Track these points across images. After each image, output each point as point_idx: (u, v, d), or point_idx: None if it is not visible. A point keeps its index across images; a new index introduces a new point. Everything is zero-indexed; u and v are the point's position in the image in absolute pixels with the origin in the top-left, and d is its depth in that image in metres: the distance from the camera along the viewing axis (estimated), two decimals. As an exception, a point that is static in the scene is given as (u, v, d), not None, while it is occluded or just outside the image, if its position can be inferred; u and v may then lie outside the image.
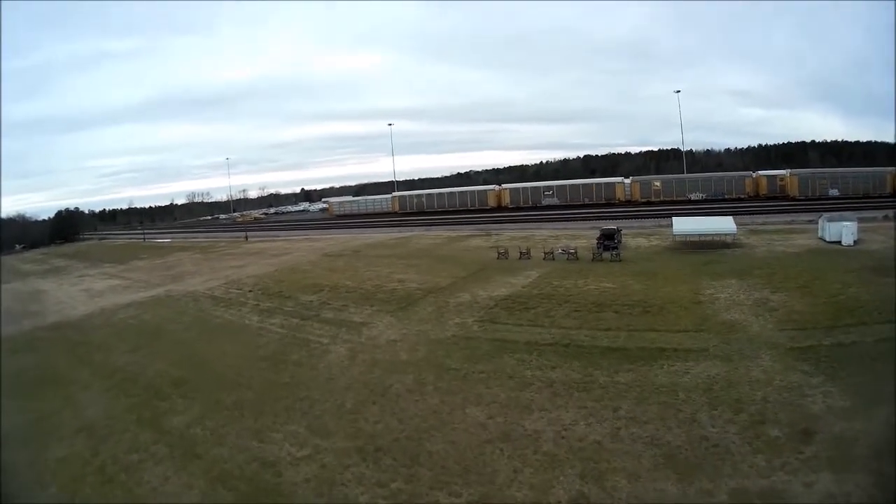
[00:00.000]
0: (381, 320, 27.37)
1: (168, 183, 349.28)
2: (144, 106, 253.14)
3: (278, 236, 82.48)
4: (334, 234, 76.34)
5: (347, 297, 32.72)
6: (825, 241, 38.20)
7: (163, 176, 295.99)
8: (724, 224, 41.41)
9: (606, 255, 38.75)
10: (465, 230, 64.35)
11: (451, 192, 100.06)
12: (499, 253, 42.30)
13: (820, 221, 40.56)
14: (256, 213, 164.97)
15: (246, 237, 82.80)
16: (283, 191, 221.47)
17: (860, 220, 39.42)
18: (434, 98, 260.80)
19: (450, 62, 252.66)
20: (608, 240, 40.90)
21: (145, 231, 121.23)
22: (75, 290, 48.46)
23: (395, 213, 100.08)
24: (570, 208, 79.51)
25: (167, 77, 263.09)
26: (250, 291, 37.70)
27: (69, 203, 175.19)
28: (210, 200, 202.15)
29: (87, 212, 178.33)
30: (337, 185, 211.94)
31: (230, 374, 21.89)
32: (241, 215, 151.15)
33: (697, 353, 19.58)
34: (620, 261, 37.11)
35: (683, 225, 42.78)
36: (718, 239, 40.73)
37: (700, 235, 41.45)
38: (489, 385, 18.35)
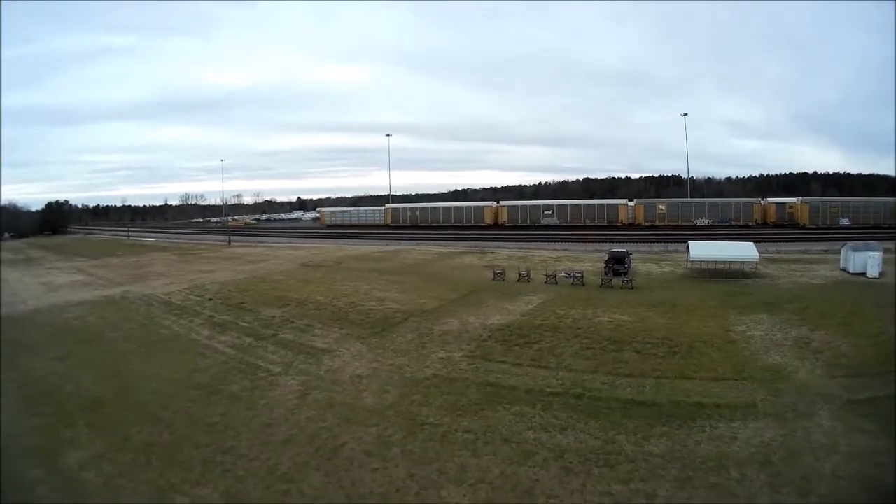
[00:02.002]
0: (348, 347, 22.65)
1: (163, 183, 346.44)
2: (140, 105, 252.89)
3: (263, 242, 78.92)
4: (321, 243, 72.66)
5: (315, 316, 28.13)
6: (848, 272, 35.80)
7: (157, 176, 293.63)
8: (745, 251, 37.91)
9: (617, 280, 34.35)
10: (459, 247, 60.17)
11: (447, 207, 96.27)
12: (495, 273, 37.88)
13: (843, 251, 38.02)
14: (248, 219, 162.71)
15: (229, 241, 79.34)
16: (279, 198, 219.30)
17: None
18: (426, 115, 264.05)
19: (441, 80, 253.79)
20: (618, 264, 36.80)
21: (130, 229, 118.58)
22: (35, 283, 45.56)
23: (387, 226, 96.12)
24: (570, 229, 75.60)
25: (163, 77, 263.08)
26: (210, 300, 33.22)
27: (62, 196, 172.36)
28: (204, 203, 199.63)
29: (80, 206, 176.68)
30: (333, 195, 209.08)
31: (152, 403, 17.60)
32: (233, 219, 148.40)
33: (744, 409, 15.45)
34: (633, 288, 32.84)
35: (701, 250, 38.79)
36: (736, 267, 37.27)
37: (718, 262, 37.84)
38: (477, 451, 13.56)
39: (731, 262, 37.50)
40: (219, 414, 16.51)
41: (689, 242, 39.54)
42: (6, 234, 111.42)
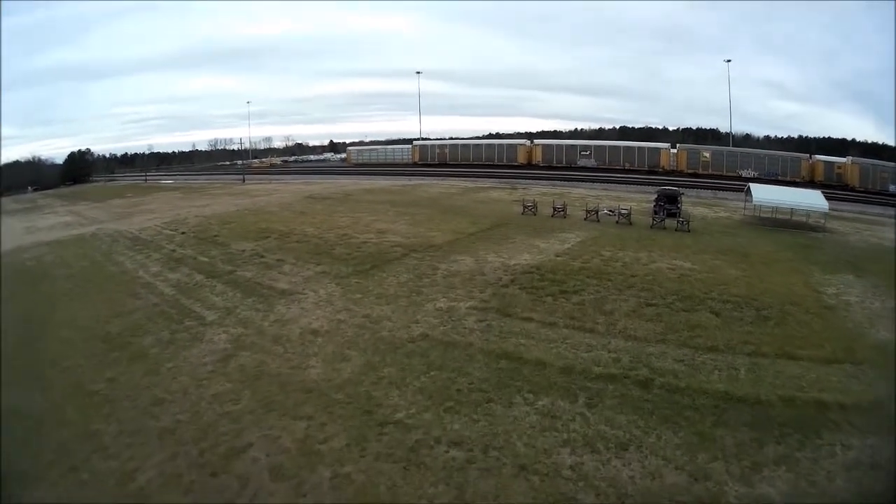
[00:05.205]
0: (317, 289, 17.22)
1: (194, 130, 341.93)
2: (171, 55, 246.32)
3: (281, 180, 74.34)
4: (340, 179, 67.80)
5: (293, 249, 22.78)
6: None
7: (189, 124, 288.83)
8: (813, 198, 32.03)
9: (670, 222, 28.15)
10: (487, 182, 54.21)
11: (478, 144, 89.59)
12: (525, 206, 31.86)
13: None
14: (275, 160, 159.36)
15: (243, 179, 75.21)
16: (312, 142, 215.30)
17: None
18: (462, 61, 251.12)
19: (479, 28, 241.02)
20: (670, 203, 30.68)
21: (147, 173, 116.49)
22: (20, 227, 41.95)
23: (414, 164, 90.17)
24: (608, 171, 68.38)
25: (193, 28, 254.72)
26: (182, 233, 28.27)
27: (95, 149, 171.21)
28: (232, 147, 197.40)
29: (107, 156, 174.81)
30: (366, 139, 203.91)
31: (45, 358, 13.47)
32: (259, 161, 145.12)
33: (877, 414, 10.17)
34: (689, 231, 26.85)
35: (765, 194, 33.16)
36: (800, 218, 32.22)
37: (782, 210, 32.92)
38: (464, 488, 7.86)
39: (796, 211, 32.40)
40: (107, 379, 11.73)
41: (751, 185, 33.95)
42: (29, 188, 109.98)
